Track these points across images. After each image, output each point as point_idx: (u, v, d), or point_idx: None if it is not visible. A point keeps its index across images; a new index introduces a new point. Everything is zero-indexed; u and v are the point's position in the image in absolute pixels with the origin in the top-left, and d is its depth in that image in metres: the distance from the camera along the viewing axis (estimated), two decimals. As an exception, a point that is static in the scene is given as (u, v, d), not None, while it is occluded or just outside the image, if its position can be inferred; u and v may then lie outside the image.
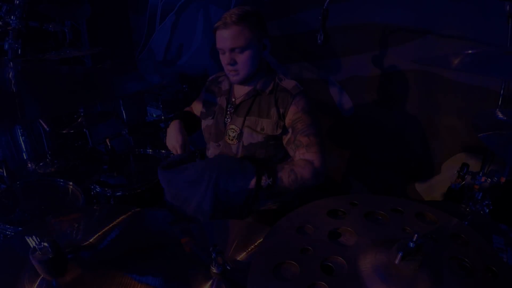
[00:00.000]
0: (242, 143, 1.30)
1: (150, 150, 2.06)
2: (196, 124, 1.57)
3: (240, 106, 1.32)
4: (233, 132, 1.32)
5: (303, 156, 1.22)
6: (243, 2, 2.39)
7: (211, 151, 1.44)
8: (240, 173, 1.17)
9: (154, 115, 2.95)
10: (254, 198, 1.20)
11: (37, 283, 0.64)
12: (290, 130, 1.26)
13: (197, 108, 1.58)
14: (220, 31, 1.21)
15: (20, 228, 1.08)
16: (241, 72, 1.25)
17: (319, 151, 1.22)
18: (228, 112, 1.36)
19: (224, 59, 1.25)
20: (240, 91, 1.35)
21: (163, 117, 2.53)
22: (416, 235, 0.56)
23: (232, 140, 1.33)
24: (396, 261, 0.57)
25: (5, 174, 1.55)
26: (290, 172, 1.19)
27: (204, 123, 1.46)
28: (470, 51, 0.87)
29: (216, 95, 1.44)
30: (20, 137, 2.04)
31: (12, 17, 1.72)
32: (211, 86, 1.49)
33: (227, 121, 1.35)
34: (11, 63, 1.59)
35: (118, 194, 1.72)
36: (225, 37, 1.20)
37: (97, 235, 0.76)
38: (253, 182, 1.16)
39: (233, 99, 1.36)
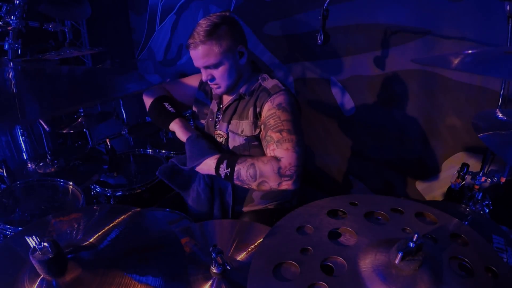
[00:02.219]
0: (228, 147, 1.31)
1: (150, 150, 2.07)
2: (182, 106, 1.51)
3: (226, 111, 1.32)
4: (220, 137, 1.32)
5: (272, 152, 1.11)
6: (243, 2, 2.39)
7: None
8: (199, 155, 1.23)
9: (154, 115, 2.94)
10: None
11: (37, 283, 0.64)
12: (262, 126, 1.20)
13: (184, 90, 1.49)
14: (191, 50, 1.20)
15: (20, 228, 1.08)
16: (222, 85, 1.25)
17: (291, 149, 1.08)
18: (217, 118, 1.36)
19: (202, 75, 1.25)
20: (227, 97, 1.35)
21: (163, 117, 2.52)
22: (416, 235, 0.56)
23: (220, 145, 1.33)
24: (396, 261, 0.57)
25: (5, 174, 1.55)
26: (250, 166, 1.11)
27: (197, 123, 1.45)
28: (470, 51, 0.87)
29: (208, 97, 1.42)
30: (20, 137, 2.04)
31: (12, 17, 1.72)
32: (204, 84, 1.44)
33: (216, 126, 1.35)
34: (11, 63, 1.59)
35: (118, 194, 1.72)
36: (195, 57, 1.20)
37: (97, 235, 0.76)
38: (210, 165, 1.19)
39: (221, 105, 1.36)
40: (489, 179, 1.33)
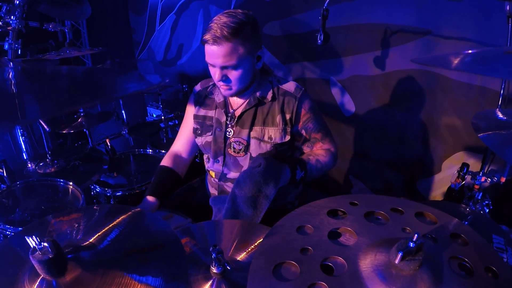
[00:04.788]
0: (250, 154, 1.26)
1: (150, 150, 2.07)
2: (175, 185, 1.42)
3: (242, 117, 1.26)
4: (239, 144, 1.27)
5: (321, 147, 1.32)
6: (243, 2, 2.39)
7: (212, 167, 1.39)
8: (277, 178, 1.13)
9: (154, 115, 2.95)
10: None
11: (37, 283, 0.64)
12: (303, 131, 1.28)
13: (186, 131, 1.43)
14: (210, 46, 1.09)
15: (20, 228, 1.08)
16: (234, 87, 1.18)
17: (331, 139, 1.33)
18: (229, 125, 1.29)
19: (214, 74, 1.16)
20: (238, 101, 1.29)
21: (163, 117, 2.53)
22: (416, 235, 0.56)
23: (238, 152, 1.28)
24: (396, 261, 0.56)
25: (5, 174, 1.55)
26: (317, 162, 1.26)
27: (201, 140, 1.36)
28: (470, 51, 0.87)
29: (210, 108, 1.34)
30: (20, 137, 2.04)
31: (12, 17, 1.72)
32: (202, 99, 1.37)
33: (229, 134, 1.29)
34: (11, 63, 1.59)
35: (118, 194, 1.72)
36: (215, 54, 1.09)
37: (97, 235, 0.76)
38: (285, 179, 1.17)
39: (232, 111, 1.29)
40: (489, 179, 1.33)
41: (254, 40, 1.14)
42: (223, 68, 1.13)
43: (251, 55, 1.15)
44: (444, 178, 1.87)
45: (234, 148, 1.28)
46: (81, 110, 2.27)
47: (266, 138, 1.24)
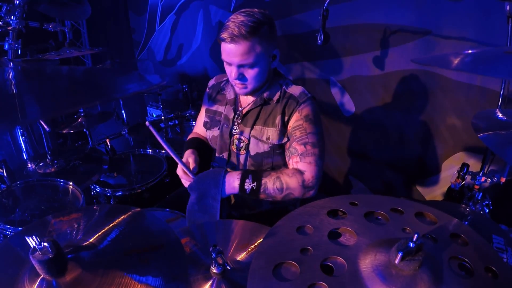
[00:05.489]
0: (249, 152, 1.27)
1: (150, 150, 2.07)
2: (210, 151, 1.46)
3: (247, 116, 1.27)
4: (241, 142, 1.28)
5: (295, 165, 1.18)
6: (243, 2, 2.39)
7: (218, 162, 1.40)
8: (215, 179, 1.18)
9: (154, 115, 2.95)
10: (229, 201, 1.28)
11: (37, 283, 0.64)
12: (287, 137, 1.22)
13: (200, 122, 1.48)
14: (227, 44, 1.09)
15: (20, 228, 1.08)
16: (249, 86, 1.18)
17: (313, 162, 1.16)
18: (236, 123, 1.30)
19: (230, 72, 1.16)
20: (247, 100, 1.30)
21: (163, 117, 2.53)
22: (416, 235, 0.56)
23: (240, 150, 1.29)
24: (396, 261, 0.57)
25: (5, 174, 1.55)
26: (276, 180, 1.15)
27: (209, 133, 1.40)
28: (470, 51, 0.87)
29: (221, 104, 1.36)
30: (20, 137, 2.04)
31: (12, 17, 1.72)
32: (215, 94, 1.40)
33: (235, 131, 1.30)
34: (11, 63, 1.59)
35: (118, 194, 1.72)
36: (233, 52, 1.09)
37: (97, 235, 0.76)
38: (233, 182, 1.17)
39: (240, 109, 1.30)
40: (489, 179, 1.33)
41: (271, 39, 1.14)
42: (240, 66, 1.13)
43: (267, 54, 1.15)
44: (444, 178, 1.87)
45: (236, 145, 1.29)
46: (81, 110, 2.27)
47: (264, 138, 1.24)
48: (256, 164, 1.29)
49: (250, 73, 1.15)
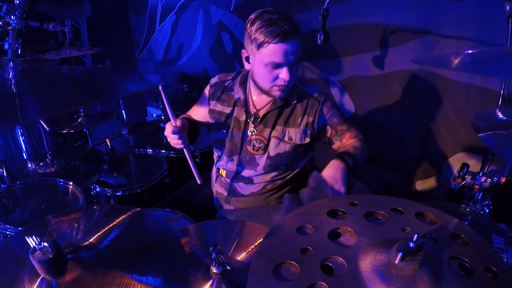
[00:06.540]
0: (268, 153, 1.27)
1: (150, 150, 2.07)
2: (198, 132, 1.43)
3: (266, 117, 1.26)
4: (260, 142, 1.27)
5: (350, 137, 1.28)
6: (243, 2, 2.39)
7: (225, 165, 1.38)
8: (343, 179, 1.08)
9: (154, 115, 2.95)
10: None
11: (37, 283, 0.64)
12: (328, 127, 1.28)
13: (197, 113, 1.45)
14: (281, 44, 1.03)
15: (20, 228, 1.08)
16: (289, 85, 1.15)
17: (355, 127, 1.30)
18: (252, 125, 1.28)
19: (278, 74, 1.10)
20: (262, 101, 1.27)
21: (163, 117, 2.53)
22: (416, 235, 0.56)
23: (257, 150, 1.28)
24: (396, 261, 0.57)
25: (5, 174, 1.55)
26: (354, 149, 1.19)
27: (215, 135, 1.36)
28: (470, 51, 0.87)
29: (228, 105, 1.32)
30: (20, 137, 2.04)
31: (12, 17, 1.73)
32: (219, 93, 1.35)
33: (252, 132, 1.28)
34: (11, 63, 1.59)
35: (118, 194, 1.72)
36: (290, 50, 1.04)
37: (97, 235, 0.76)
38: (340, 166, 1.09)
39: (255, 110, 1.28)
40: (489, 179, 1.33)
41: None
42: (292, 65, 1.09)
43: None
44: (444, 179, 1.87)
45: (254, 145, 1.28)
46: (81, 110, 2.27)
47: (286, 138, 1.25)
48: (273, 164, 1.29)
49: (294, 71, 1.12)
